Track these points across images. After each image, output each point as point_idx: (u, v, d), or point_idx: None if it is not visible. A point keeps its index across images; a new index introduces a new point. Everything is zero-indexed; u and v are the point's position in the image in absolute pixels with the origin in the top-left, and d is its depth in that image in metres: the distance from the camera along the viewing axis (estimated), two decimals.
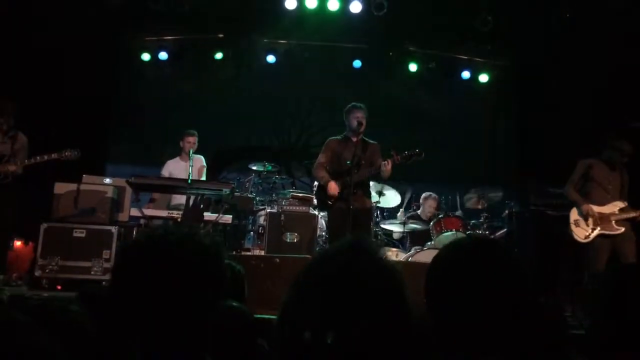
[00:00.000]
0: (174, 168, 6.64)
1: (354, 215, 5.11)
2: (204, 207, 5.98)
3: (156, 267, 1.21)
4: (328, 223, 5.78)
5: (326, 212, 5.76)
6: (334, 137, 5.61)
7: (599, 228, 5.38)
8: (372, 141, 5.51)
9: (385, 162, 5.14)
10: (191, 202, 5.69)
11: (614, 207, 5.47)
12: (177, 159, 6.79)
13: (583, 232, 5.44)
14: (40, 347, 0.90)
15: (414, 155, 5.16)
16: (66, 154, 5.63)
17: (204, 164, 6.63)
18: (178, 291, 1.19)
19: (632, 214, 5.41)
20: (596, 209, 5.45)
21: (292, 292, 1.08)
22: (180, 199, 6.45)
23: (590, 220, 5.41)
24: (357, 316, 1.00)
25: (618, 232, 5.36)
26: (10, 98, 5.67)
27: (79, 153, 5.70)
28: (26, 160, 5.59)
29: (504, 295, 1.24)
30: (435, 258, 1.39)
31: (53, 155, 5.61)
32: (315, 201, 6.17)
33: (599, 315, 1.50)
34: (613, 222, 5.39)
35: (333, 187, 5.27)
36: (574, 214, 5.54)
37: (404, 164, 5.20)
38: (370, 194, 5.66)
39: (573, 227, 5.49)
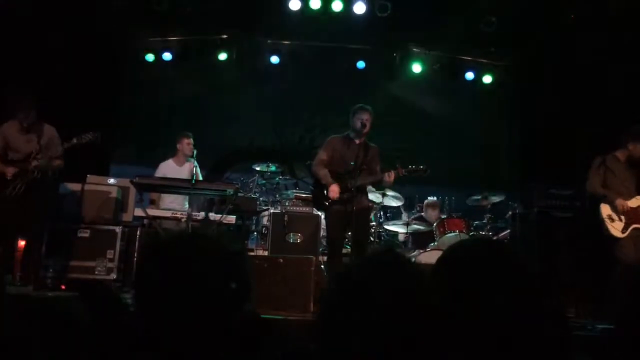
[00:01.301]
0: (169, 171, 6.51)
1: (353, 215, 5.12)
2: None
3: (180, 268, 1.21)
4: (326, 223, 5.73)
5: (323, 212, 5.75)
6: (336, 135, 5.58)
7: (631, 222, 5.24)
8: (372, 144, 5.48)
9: (389, 173, 5.16)
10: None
11: (638, 200, 5.33)
12: (170, 161, 6.66)
13: (620, 225, 5.27)
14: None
15: (419, 171, 5.24)
16: (87, 136, 5.44)
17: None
18: (200, 294, 1.19)
19: None
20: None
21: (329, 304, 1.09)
22: (168, 202, 6.43)
23: (623, 215, 5.27)
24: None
25: None
26: (27, 93, 5.55)
27: (98, 134, 5.47)
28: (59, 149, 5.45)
29: (508, 296, 1.24)
30: (440, 259, 1.38)
31: (73, 140, 5.45)
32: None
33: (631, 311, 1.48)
34: None
35: (334, 191, 5.21)
36: (605, 209, 5.34)
37: (407, 177, 5.24)
38: (367, 193, 5.61)
39: (608, 222, 5.29)
